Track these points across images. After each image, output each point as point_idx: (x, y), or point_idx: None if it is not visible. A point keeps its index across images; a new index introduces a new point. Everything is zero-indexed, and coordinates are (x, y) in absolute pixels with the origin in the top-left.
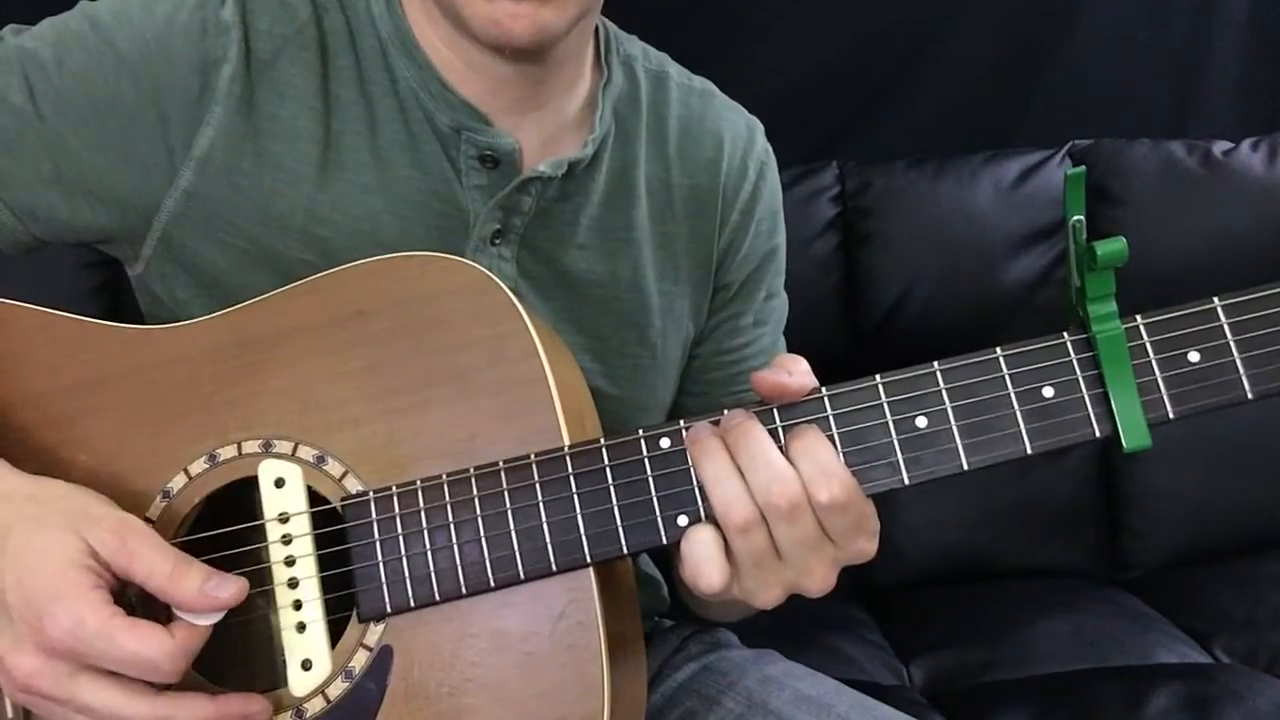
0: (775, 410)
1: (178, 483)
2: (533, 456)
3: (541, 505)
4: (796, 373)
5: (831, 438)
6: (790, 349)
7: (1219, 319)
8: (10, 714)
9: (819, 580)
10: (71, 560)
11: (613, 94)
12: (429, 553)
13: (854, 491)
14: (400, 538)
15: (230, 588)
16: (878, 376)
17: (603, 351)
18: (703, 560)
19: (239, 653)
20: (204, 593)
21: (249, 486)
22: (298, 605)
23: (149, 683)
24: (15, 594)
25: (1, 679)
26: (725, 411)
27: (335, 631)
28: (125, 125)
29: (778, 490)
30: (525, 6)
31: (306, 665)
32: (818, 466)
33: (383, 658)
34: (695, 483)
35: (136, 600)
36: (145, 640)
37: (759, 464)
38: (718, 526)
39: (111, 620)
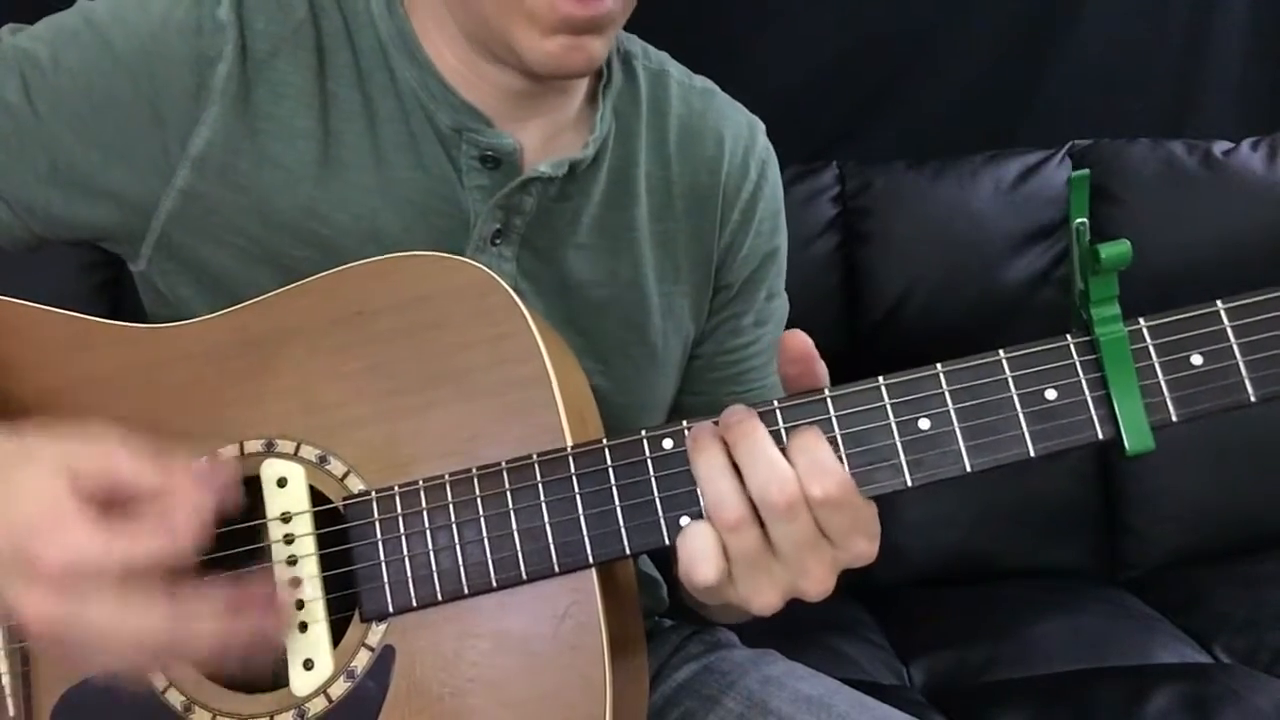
0: (778, 411)
1: None
2: (535, 457)
3: (544, 505)
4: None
5: (834, 439)
6: None
7: (1222, 322)
8: (12, 711)
9: (817, 582)
10: (52, 490)
11: (613, 93)
12: (431, 553)
13: (848, 488)
14: (403, 537)
15: (224, 466)
16: (880, 378)
17: (602, 351)
18: (697, 555)
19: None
20: (198, 477)
21: (251, 486)
22: (300, 605)
23: (159, 593)
24: (6, 539)
25: (24, 629)
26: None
27: (337, 631)
28: (121, 124)
29: (776, 489)
30: (584, 39)
31: (308, 665)
32: (813, 463)
33: (385, 658)
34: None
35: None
36: (144, 524)
37: (759, 462)
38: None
39: (104, 526)
